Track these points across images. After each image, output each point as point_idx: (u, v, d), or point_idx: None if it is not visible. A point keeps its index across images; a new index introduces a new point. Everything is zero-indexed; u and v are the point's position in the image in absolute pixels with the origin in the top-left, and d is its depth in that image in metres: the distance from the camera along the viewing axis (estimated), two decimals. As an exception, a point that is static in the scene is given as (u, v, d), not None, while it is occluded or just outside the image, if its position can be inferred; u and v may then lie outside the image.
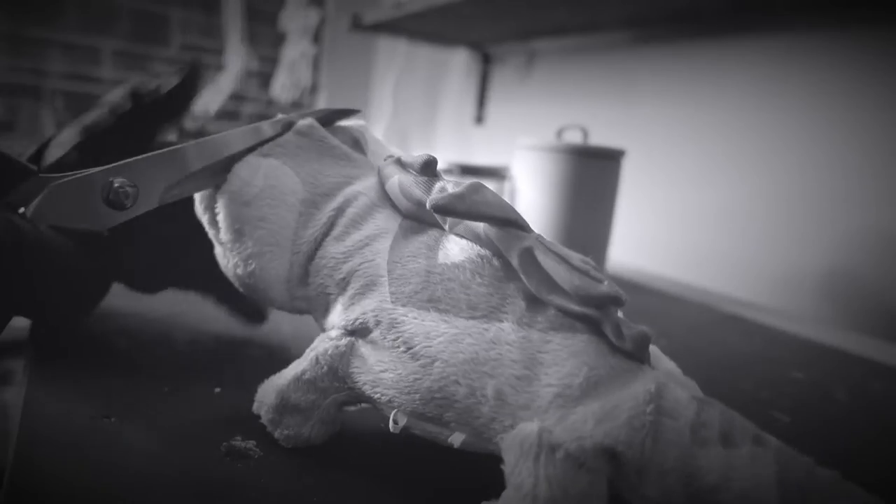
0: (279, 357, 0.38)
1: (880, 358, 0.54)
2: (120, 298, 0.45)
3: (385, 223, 0.28)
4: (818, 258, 0.73)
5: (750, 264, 0.80)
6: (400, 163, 0.29)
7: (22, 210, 0.25)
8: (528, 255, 0.24)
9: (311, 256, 0.29)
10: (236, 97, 1.69)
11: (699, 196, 0.87)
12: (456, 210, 0.25)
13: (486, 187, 0.26)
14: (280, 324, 0.45)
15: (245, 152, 0.30)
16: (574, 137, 0.79)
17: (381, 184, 0.29)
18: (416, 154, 0.29)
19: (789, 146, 0.76)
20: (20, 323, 0.42)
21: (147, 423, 0.28)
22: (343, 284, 0.27)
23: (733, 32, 0.83)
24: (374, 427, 0.31)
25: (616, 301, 0.22)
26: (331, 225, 0.28)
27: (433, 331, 0.24)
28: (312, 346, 0.27)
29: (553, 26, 1.03)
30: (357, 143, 0.32)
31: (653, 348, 0.24)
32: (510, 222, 0.24)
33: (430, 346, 0.24)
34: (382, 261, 0.26)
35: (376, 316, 0.25)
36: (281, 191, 0.29)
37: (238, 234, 0.29)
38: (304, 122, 0.31)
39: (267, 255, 0.29)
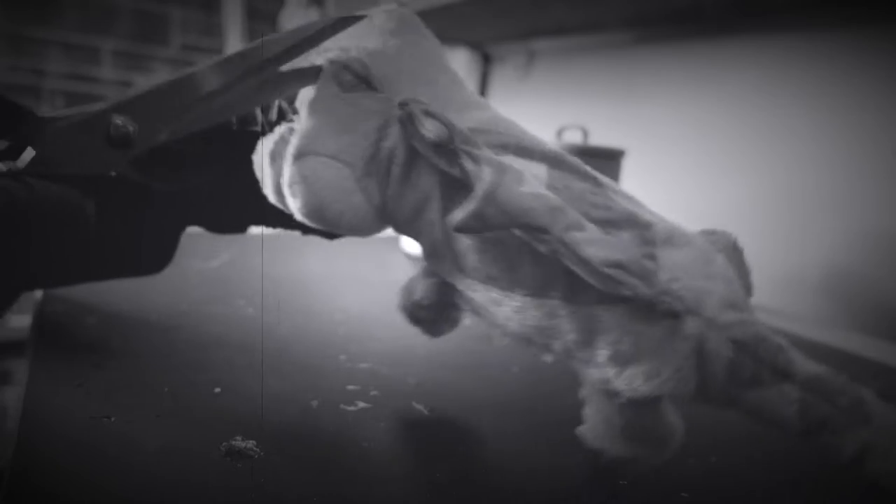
0: (279, 357, 0.38)
1: (880, 358, 0.54)
2: (120, 299, 0.45)
3: (428, 181, 0.29)
4: (818, 258, 0.73)
5: (750, 264, 0.80)
6: (412, 119, 0.27)
7: (24, 157, 0.24)
8: (554, 254, 0.25)
9: (384, 216, 0.31)
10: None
11: (699, 196, 0.87)
12: (476, 230, 0.25)
13: (500, 186, 0.25)
14: (280, 325, 0.45)
15: (246, 73, 0.28)
16: (574, 137, 0.79)
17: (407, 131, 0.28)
18: (426, 123, 0.27)
19: (789, 146, 0.76)
20: (20, 323, 0.42)
21: (147, 423, 0.28)
22: (418, 238, 0.30)
23: (733, 32, 0.83)
24: (373, 428, 0.31)
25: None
26: (387, 183, 0.29)
27: (500, 301, 0.28)
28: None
29: (553, 26, 1.03)
30: (364, 78, 0.30)
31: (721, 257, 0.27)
32: (526, 227, 0.25)
33: (498, 313, 0.28)
34: (438, 232, 0.29)
35: (451, 277, 0.30)
36: (340, 186, 0.29)
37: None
38: (311, 103, 0.30)
39: (366, 219, 0.30)
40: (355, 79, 0.30)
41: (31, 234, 0.22)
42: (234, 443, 0.27)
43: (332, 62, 0.30)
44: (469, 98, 0.31)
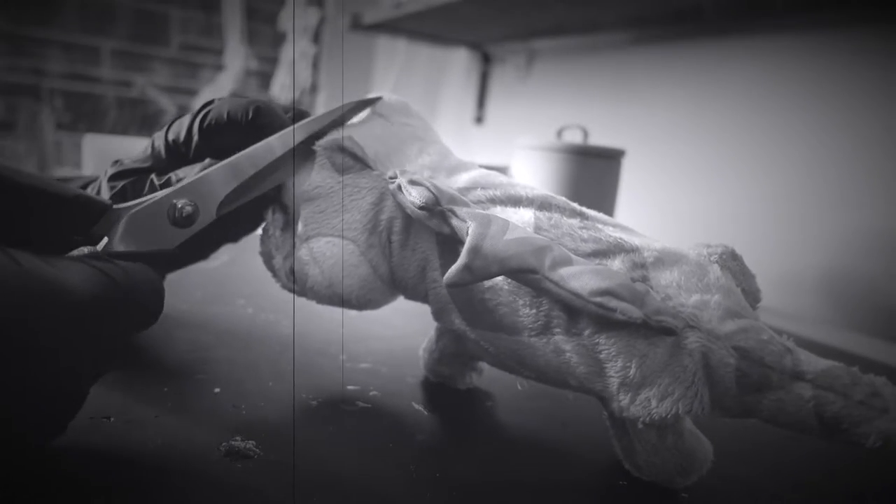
0: (279, 358, 0.38)
1: (880, 358, 0.54)
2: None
3: (426, 243, 0.31)
4: (818, 258, 0.73)
5: (750, 264, 0.80)
6: (400, 189, 0.30)
7: (104, 241, 0.27)
8: (545, 292, 0.26)
9: (392, 282, 0.33)
10: (236, 97, 1.69)
11: (699, 196, 0.87)
12: (468, 281, 0.27)
13: (486, 237, 0.27)
14: (280, 325, 0.45)
15: (285, 157, 0.32)
16: (574, 137, 0.79)
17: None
18: (412, 191, 0.29)
19: (789, 146, 0.76)
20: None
21: (147, 423, 0.28)
22: (428, 301, 0.32)
23: (733, 32, 0.83)
24: (374, 427, 0.31)
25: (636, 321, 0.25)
26: (390, 253, 0.32)
27: (511, 345, 0.29)
28: None
29: (553, 26, 1.03)
30: (355, 157, 0.33)
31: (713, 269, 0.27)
32: (514, 271, 0.26)
33: (512, 358, 0.29)
34: (442, 289, 0.30)
35: (464, 331, 0.31)
36: (347, 262, 0.32)
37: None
38: (308, 189, 0.32)
39: (375, 290, 0.33)
40: (350, 159, 0.32)
41: (129, 312, 0.24)
42: (234, 443, 0.27)
43: (325, 146, 0.33)
44: (457, 163, 0.33)
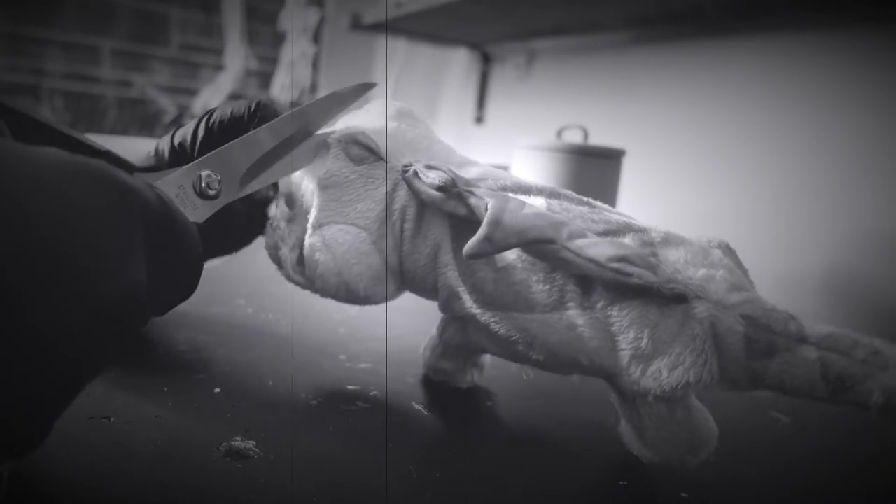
0: (279, 357, 0.38)
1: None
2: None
3: (439, 229, 0.31)
4: (818, 258, 0.73)
5: (750, 265, 0.80)
6: (416, 174, 0.31)
7: None
8: (563, 263, 0.27)
9: (401, 273, 0.34)
10: (236, 97, 1.69)
11: (699, 196, 0.87)
12: (488, 252, 0.27)
13: (505, 211, 0.27)
14: (280, 325, 0.45)
15: (302, 133, 0.32)
16: (574, 137, 0.79)
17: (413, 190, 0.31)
18: (429, 174, 0.30)
19: (789, 146, 0.76)
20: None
21: (147, 423, 0.28)
22: (435, 294, 0.33)
23: (733, 32, 0.83)
24: (374, 428, 0.31)
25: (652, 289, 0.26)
26: (401, 242, 0.32)
27: (524, 324, 0.29)
28: None
29: (553, 26, 1.03)
30: (370, 149, 0.33)
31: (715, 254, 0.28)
32: (533, 242, 0.27)
33: (522, 339, 0.29)
34: (453, 272, 0.31)
35: (473, 315, 0.31)
36: (358, 249, 0.32)
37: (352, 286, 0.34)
38: (323, 177, 0.33)
39: (383, 281, 0.33)
40: (365, 151, 0.33)
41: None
42: (234, 443, 0.27)
43: (339, 139, 0.33)
44: (463, 160, 0.34)
